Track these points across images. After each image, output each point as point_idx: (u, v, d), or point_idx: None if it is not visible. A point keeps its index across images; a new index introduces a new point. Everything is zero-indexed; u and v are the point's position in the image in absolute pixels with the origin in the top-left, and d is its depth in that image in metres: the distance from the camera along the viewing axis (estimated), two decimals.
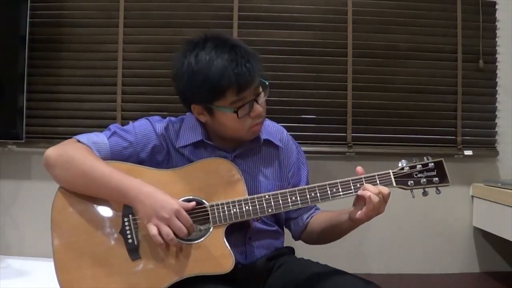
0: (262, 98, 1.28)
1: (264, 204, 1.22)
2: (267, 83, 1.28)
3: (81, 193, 1.23)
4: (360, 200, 1.21)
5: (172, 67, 1.28)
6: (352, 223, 1.25)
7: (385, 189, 1.18)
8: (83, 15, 2.05)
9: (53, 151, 1.23)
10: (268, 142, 1.39)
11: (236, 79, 1.18)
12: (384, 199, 1.18)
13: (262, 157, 1.38)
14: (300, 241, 1.46)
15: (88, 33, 2.05)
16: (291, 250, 1.44)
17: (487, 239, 2.05)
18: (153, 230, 1.14)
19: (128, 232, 1.20)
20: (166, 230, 1.13)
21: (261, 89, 1.27)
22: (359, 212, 1.19)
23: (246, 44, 1.27)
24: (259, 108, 1.26)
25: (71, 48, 2.05)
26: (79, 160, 1.21)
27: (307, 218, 1.42)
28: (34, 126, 2.01)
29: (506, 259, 2.05)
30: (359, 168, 1.23)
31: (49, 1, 2.05)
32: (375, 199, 1.16)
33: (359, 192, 1.19)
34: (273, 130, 1.44)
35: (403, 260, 2.04)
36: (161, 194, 1.17)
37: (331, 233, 1.37)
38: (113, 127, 1.32)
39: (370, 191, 1.17)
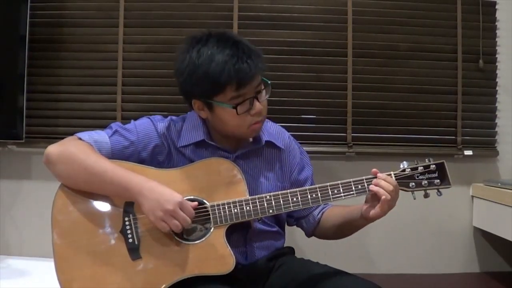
0: (264, 96, 1.27)
1: (265, 205, 1.22)
2: (269, 82, 1.28)
3: (83, 190, 1.23)
4: (373, 198, 1.21)
5: (175, 62, 1.28)
6: (366, 221, 1.26)
7: (393, 182, 1.20)
8: (83, 15, 2.05)
9: (54, 148, 1.23)
10: (270, 144, 1.38)
11: (236, 74, 1.18)
12: (396, 194, 1.19)
13: (264, 159, 1.38)
14: (300, 242, 1.46)
15: (88, 33, 2.04)
16: (291, 250, 1.43)
17: (487, 239, 2.05)
18: (166, 227, 1.15)
19: (128, 231, 1.20)
20: (175, 222, 1.14)
21: (263, 87, 1.27)
22: (372, 211, 1.20)
23: None
24: (260, 106, 1.26)
25: (71, 48, 2.05)
26: (81, 157, 1.21)
27: (318, 214, 1.42)
28: (34, 126, 2.00)
29: (506, 259, 2.05)
30: (374, 170, 1.23)
31: (49, 1, 2.05)
32: (388, 196, 1.17)
33: (371, 187, 1.19)
34: (275, 132, 1.43)
35: (403, 260, 2.04)
36: (164, 188, 1.17)
37: (344, 229, 1.37)
38: (115, 125, 1.32)
39: (384, 188, 1.18)
